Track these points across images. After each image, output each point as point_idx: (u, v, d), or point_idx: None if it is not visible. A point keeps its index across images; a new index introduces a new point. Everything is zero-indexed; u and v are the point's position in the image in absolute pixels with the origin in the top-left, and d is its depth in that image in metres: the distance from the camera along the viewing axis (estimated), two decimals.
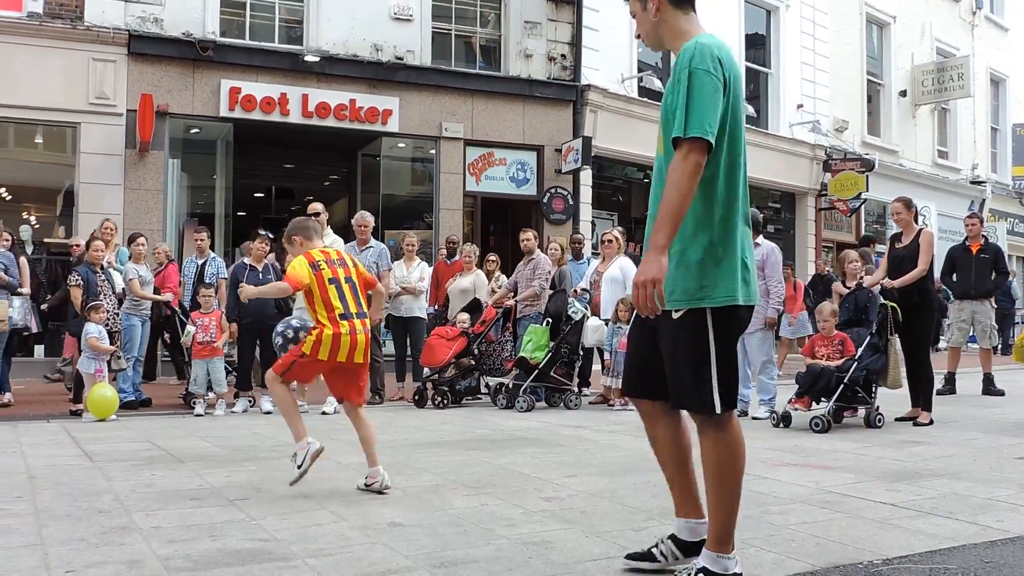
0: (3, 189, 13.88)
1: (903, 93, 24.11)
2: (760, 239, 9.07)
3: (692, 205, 2.98)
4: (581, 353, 9.89)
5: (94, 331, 8.65)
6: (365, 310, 5.28)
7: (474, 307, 10.40)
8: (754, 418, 8.61)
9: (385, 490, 4.89)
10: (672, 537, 3.36)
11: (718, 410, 3.06)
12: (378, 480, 4.93)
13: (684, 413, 3.28)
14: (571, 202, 16.16)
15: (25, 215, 14.08)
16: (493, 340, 10.41)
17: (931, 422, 8.16)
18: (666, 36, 3.25)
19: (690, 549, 3.29)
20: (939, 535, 3.96)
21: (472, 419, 8.71)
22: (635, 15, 3.32)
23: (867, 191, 20.16)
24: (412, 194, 16.64)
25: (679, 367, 3.11)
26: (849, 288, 8.78)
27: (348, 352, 5.09)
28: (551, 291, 10.38)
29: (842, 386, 7.67)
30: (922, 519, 4.26)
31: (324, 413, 8.93)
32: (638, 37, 3.39)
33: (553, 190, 16.08)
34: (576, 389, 9.90)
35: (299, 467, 4.94)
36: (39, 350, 12.94)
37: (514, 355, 10.11)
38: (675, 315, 3.08)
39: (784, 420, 7.95)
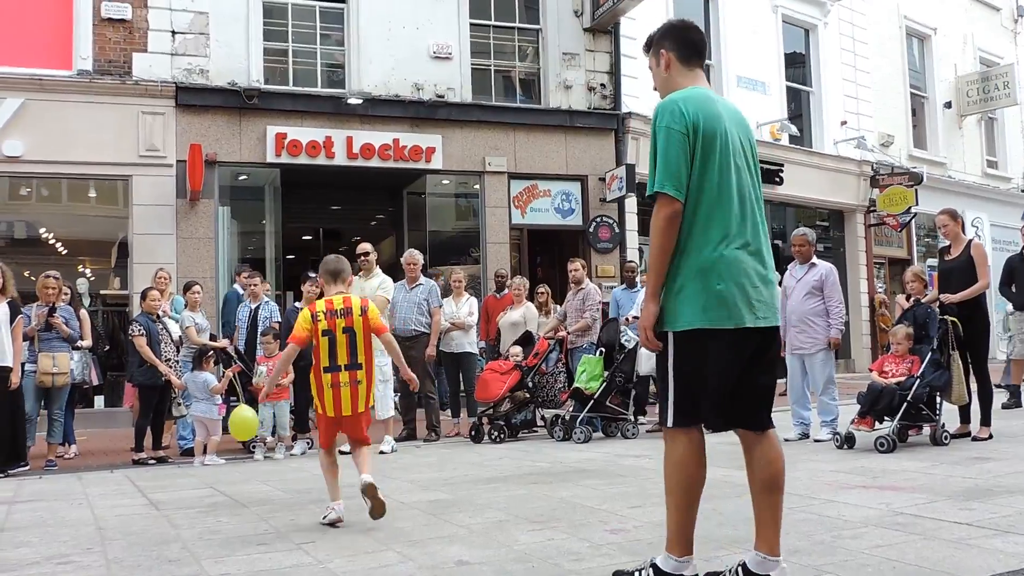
0: (59, 243, 14.16)
1: (948, 104, 23.82)
2: (816, 260, 9.00)
3: None
4: (636, 381, 9.82)
5: (212, 379, 9.24)
6: (360, 360, 5.30)
7: (526, 340, 10.39)
8: (816, 440, 8.48)
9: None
10: (743, 565, 3.39)
11: (669, 423, 3.37)
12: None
13: (772, 440, 3.40)
14: (617, 230, 16.13)
15: (81, 268, 14.34)
16: (546, 372, 10.38)
17: (990, 436, 8.00)
18: (672, 90, 3.52)
19: None
20: (1019, 554, 3.85)
21: (530, 452, 8.67)
22: (652, 69, 3.70)
23: (917, 205, 19.87)
24: (458, 229, 16.71)
25: (657, 384, 3.55)
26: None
27: (334, 405, 5.26)
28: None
29: (905, 404, 7.53)
30: (1000, 538, 4.16)
31: (381, 452, 8.95)
32: (655, 89, 3.71)
33: (599, 219, 16.06)
34: (632, 418, 9.82)
35: (323, 519, 5.23)
36: (99, 401, 13.15)
37: (568, 386, 10.07)
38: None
39: (847, 441, 7.82)
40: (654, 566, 3.42)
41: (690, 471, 3.36)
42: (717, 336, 3.28)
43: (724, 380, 3.30)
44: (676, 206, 3.28)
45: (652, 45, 3.67)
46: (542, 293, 11.96)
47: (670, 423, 3.36)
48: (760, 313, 3.33)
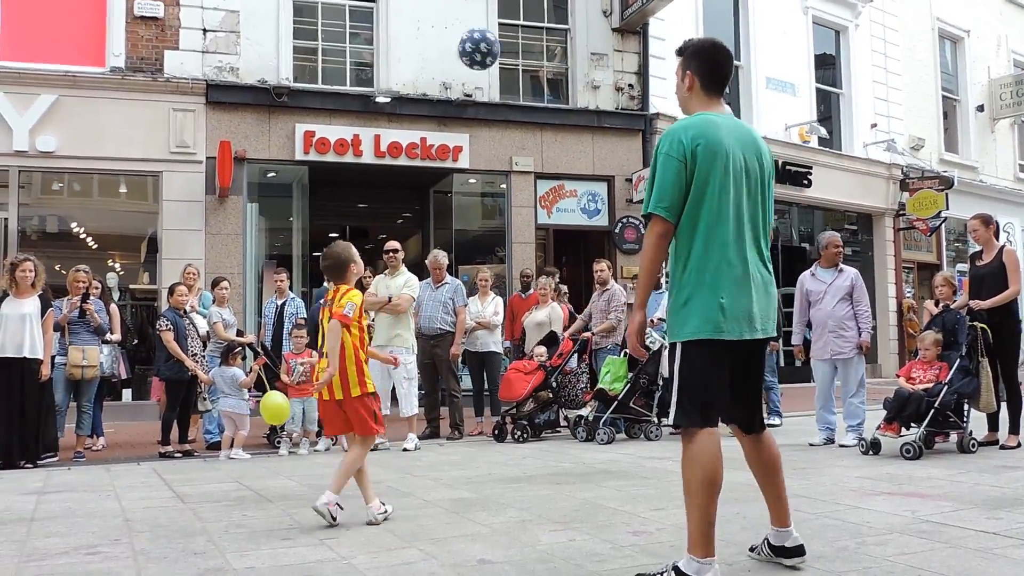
0: (90, 238, 14.31)
1: (980, 108, 23.56)
2: (843, 266, 8.94)
3: (670, 260, 3.74)
4: (660, 383, 9.79)
5: (240, 374, 9.28)
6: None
7: (551, 340, 10.39)
8: (841, 445, 8.43)
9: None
10: (766, 540, 3.91)
11: (671, 421, 3.68)
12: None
13: (762, 435, 3.85)
14: (643, 232, 16.05)
15: (111, 263, 14.48)
16: (570, 372, 10.37)
17: (1019, 445, 7.92)
18: (689, 109, 3.86)
19: (778, 552, 3.87)
20: None
21: (553, 452, 8.68)
22: (676, 75, 3.95)
23: (947, 209, 19.68)
24: (484, 229, 16.74)
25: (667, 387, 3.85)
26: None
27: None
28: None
29: (933, 411, 7.47)
30: None
31: (405, 449, 8.99)
32: (676, 93, 4.01)
33: (625, 220, 16.04)
34: (656, 420, 9.79)
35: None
36: (127, 394, 13.29)
37: (591, 387, 10.05)
38: (667, 348, 3.84)
39: (873, 447, 7.77)
40: (676, 569, 3.49)
41: (707, 468, 3.51)
42: (719, 345, 3.58)
43: (723, 384, 3.65)
44: (667, 226, 3.60)
45: (681, 58, 3.90)
46: (564, 293, 11.98)
47: (672, 421, 3.67)
48: (759, 325, 3.66)
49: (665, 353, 9.58)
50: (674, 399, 3.64)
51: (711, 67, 3.84)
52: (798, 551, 3.82)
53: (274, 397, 8.85)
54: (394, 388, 9.53)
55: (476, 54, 5.04)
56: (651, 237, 3.63)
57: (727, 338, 3.56)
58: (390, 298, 9.39)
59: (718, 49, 3.90)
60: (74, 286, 9.40)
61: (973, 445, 7.74)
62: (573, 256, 16.80)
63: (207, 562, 4.27)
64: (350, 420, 5.38)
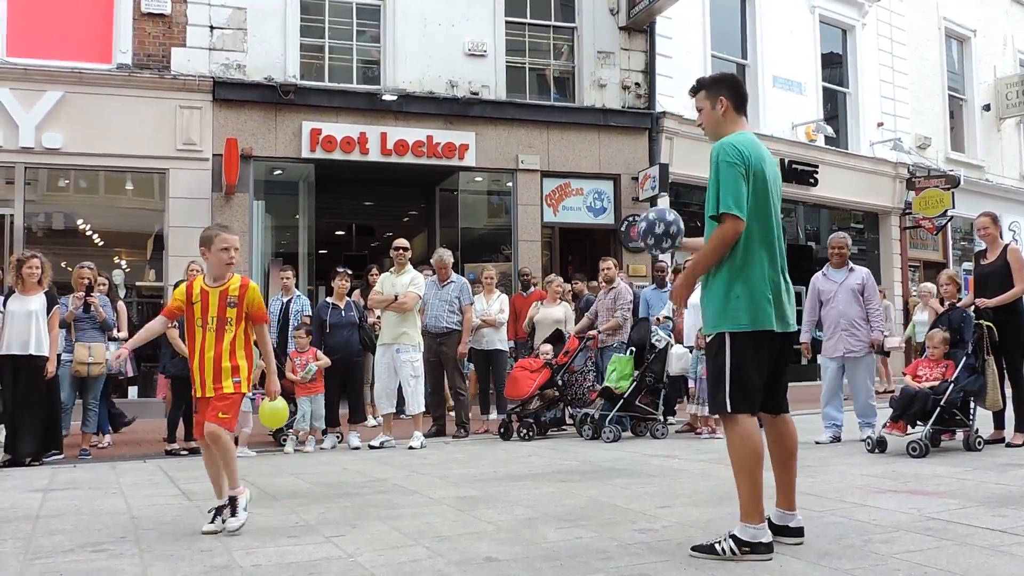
0: (96, 235, 14.32)
1: (987, 107, 23.52)
2: (853, 265, 8.94)
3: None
4: (666, 382, 9.79)
5: None
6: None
7: (556, 338, 10.38)
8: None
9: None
10: (768, 519, 4.10)
11: (729, 410, 4.06)
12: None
13: (787, 420, 4.28)
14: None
15: (117, 260, 14.50)
16: (576, 371, 10.36)
17: None
18: (722, 131, 4.30)
19: (782, 531, 4.17)
20: None
21: (559, 451, 8.67)
22: (701, 110, 4.39)
23: (953, 208, 19.65)
24: (490, 227, 16.74)
25: (708, 378, 4.34)
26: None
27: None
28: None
29: (939, 409, 7.46)
30: None
31: (411, 448, 8.98)
32: (700, 126, 4.47)
33: (631, 218, 16.01)
34: (662, 418, 9.79)
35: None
36: (133, 391, 13.30)
37: (597, 385, 10.05)
38: (707, 339, 4.24)
39: (879, 445, 7.75)
40: (734, 536, 3.94)
41: (753, 442, 4.01)
42: (760, 337, 4.06)
43: (763, 372, 4.10)
44: (741, 225, 4.02)
45: (707, 89, 4.36)
46: (568, 291, 11.97)
47: (729, 409, 4.05)
48: (789, 320, 4.17)
49: (671, 351, 9.63)
50: (727, 387, 4.05)
51: (738, 92, 4.37)
52: (799, 532, 4.19)
53: (273, 402, 8.80)
54: (400, 386, 9.53)
55: (664, 238, 5.02)
56: (728, 234, 4.01)
57: (770, 329, 4.05)
58: (396, 296, 9.39)
59: (736, 77, 4.56)
60: (79, 283, 9.40)
61: (979, 443, 7.72)
62: (579, 254, 16.81)
63: (213, 559, 4.27)
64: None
